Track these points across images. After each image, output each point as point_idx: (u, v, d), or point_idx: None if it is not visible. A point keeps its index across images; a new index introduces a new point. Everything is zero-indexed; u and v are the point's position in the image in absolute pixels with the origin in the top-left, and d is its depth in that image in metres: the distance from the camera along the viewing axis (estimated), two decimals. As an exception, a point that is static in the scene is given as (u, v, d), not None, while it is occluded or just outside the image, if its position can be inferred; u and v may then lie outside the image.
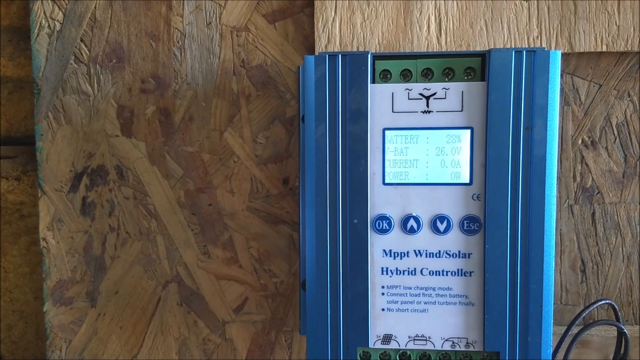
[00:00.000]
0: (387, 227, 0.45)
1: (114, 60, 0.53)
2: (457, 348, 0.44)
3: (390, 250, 0.45)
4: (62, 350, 0.56)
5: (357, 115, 0.43)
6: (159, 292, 0.55)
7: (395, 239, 0.45)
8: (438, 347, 0.45)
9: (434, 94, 0.43)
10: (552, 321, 0.43)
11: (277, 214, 0.53)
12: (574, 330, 0.48)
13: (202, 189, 0.53)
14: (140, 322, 0.55)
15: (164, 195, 0.53)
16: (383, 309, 0.45)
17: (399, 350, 0.46)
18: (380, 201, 0.44)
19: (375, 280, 0.45)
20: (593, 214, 0.50)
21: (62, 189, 0.54)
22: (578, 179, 0.50)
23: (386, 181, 0.44)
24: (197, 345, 0.55)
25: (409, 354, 0.46)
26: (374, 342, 0.45)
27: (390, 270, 0.45)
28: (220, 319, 0.55)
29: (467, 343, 0.44)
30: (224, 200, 0.53)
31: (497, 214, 0.43)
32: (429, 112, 0.43)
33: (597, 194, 0.50)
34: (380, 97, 0.43)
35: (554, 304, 0.52)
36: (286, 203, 0.53)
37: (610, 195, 0.50)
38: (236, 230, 0.54)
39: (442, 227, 0.44)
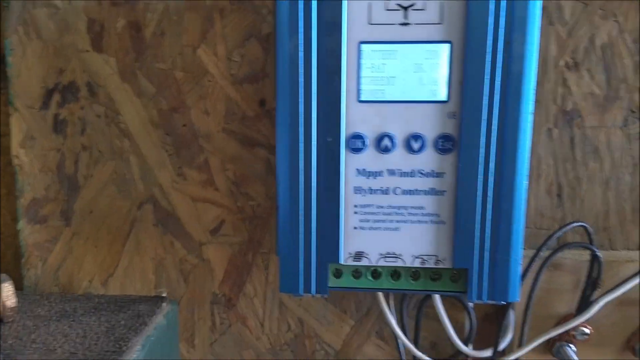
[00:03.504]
0: (361, 146, 0.44)
1: (83, -29, 0.51)
2: (427, 265, 0.45)
3: (364, 170, 0.44)
4: (37, 269, 0.56)
5: (332, 27, 0.42)
6: (134, 212, 0.55)
7: (369, 158, 0.44)
8: (408, 264, 0.45)
9: (413, 4, 0.41)
10: (522, 240, 0.43)
11: (254, 136, 0.52)
12: (547, 252, 0.49)
13: (175, 108, 0.52)
14: (116, 242, 0.55)
15: (136, 114, 0.52)
16: (355, 227, 0.45)
17: (370, 267, 0.46)
18: (355, 119, 0.44)
19: (348, 199, 0.45)
20: (572, 139, 0.50)
21: (34, 106, 0.53)
22: (559, 102, 0.49)
23: (362, 98, 0.43)
24: (174, 266, 0.55)
25: (380, 271, 0.46)
26: (346, 259, 0.45)
27: (364, 190, 0.45)
28: (196, 240, 0.55)
29: (436, 260, 0.45)
30: (199, 121, 0.52)
31: (472, 133, 0.42)
32: (407, 24, 0.42)
33: (577, 117, 0.49)
34: (356, 7, 0.42)
35: (528, 228, 0.52)
36: (263, 126, 0.52)
37: (591, 119, 0.49)
38: (212, 153, 0.53)
39: (416, 146, 0.43)
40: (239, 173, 0.53)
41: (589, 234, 0.48)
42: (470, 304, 0.50)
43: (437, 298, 0.49)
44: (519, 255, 0.43)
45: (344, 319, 0.56)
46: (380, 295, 0.49)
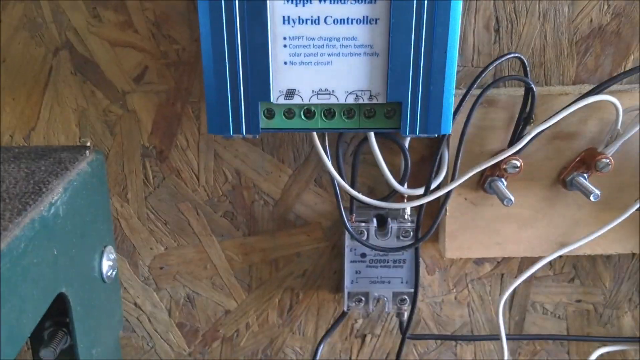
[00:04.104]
0: (288, -32, 0.40)
1: None
2: (361, 101, 0.43)
3: (291, -4, 0.41)
4: (-51, 123, 0.52)
5: None
6: (50, 60, 0.50)
7: (297, -18, 0.41)
8: (342, 101, 0.43)
9: None
10: (455, 69, 0.42)
11: (174, -30, 0.48)
12: (482, 88, 0.48)
13: None
14: (34, 93, 0.51)
15: (38, -57, 0.47)
16: (285, 63, 0.43)
17: (303, 106, 0.44)
18: (279, -64, 0.40)
19: (276, 31, 0.42)
20: (512, -32, 0.47)
21: None
22: None
23: None
24: (98, 117, 0.52)
25: (314, 110, 0.45)
26: (277, 98, 0.43)
27: (293, 20, 0.42)
28: (119, 89, 0.51)
29: (370, 95, 0.43)
30: (111, -49, 0.47)
31: (406, -50, 0.39)
32: None
33: (519, -56, 0.46)
34: None
35: (465, 67, 0.51)
36: (184, -43, 0.47)
37: (532, -55, 0.47)
38: (128, -11, 0.48)
39: (347, -34, 0.40)
40: (160, 13, 0.49)
41: (524, 68, 0.47)
42: (405, 143, 0.49)
43: (373, 140, 0.48)
44: (452, 85, 0.42)
45: (282, 168, 0.55)
46: (316, 138, 0.48)
